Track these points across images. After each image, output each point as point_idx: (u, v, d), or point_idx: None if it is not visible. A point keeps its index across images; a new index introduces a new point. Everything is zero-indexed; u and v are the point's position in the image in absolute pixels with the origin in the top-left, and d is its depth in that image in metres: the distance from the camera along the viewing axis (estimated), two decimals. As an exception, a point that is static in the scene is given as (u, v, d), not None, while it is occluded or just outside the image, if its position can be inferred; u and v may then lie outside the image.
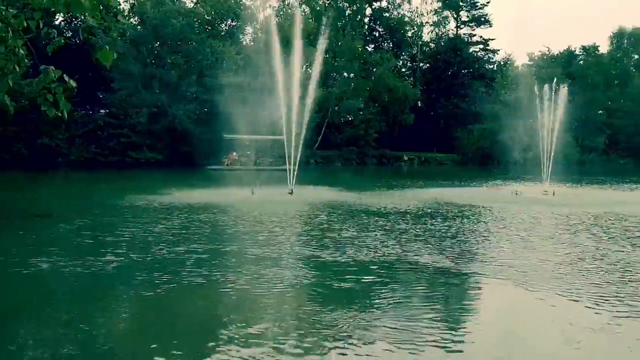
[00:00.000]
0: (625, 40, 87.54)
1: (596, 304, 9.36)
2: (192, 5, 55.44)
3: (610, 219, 19.91)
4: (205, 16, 55.19)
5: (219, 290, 9.78)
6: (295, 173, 26.68)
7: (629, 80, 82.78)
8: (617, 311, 9.02)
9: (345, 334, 7.67)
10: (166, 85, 50.82)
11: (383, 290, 9.92)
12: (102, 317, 8.44)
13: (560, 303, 9.52)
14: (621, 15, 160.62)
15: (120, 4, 56.45)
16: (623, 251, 13.98)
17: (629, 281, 10.95)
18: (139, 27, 53.28)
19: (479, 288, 10.84)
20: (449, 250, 13.61)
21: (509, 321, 8.93)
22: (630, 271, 11.81)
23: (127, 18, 55.39)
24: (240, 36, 61.44)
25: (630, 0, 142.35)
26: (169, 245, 13.38)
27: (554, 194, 28.46)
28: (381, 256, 12.71)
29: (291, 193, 25.47)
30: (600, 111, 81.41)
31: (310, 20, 57.93)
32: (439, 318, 8.59)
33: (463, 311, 9.33)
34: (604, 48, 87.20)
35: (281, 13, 56.69)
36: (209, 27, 56.44)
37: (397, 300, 9.40)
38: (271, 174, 44.31)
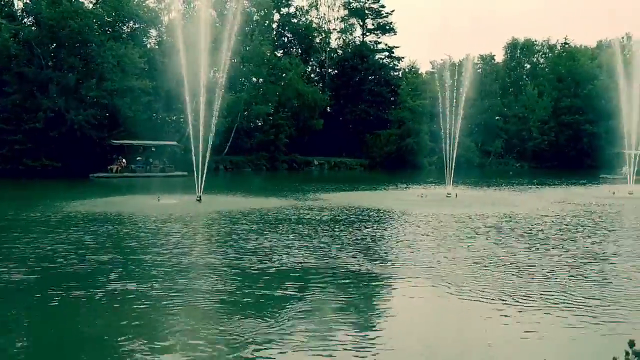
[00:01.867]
0: (518, 51, 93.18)
1: (503, 302, 9.65)
2: (92, 5, 52.74)
3: (508, 219, 20.91)
4: (106, 17, 52.71)
5: (127, 302, 9.29)
6: (203, 179, 25.96)
7: (522, 88, 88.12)
8: (524, 308, 9.33)
9: (257, 344, 7.44)
10: (64, 89, 47.97)
11: (296, 298, 9.77)
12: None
13: (470, 302, 9.75)
14: (514, 26, 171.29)
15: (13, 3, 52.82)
16: (524, 250, 14.65)
17: (533, 279, 11.42)
18: (33, 27, 50.01)
19: (393, 291, 10.93)
20: (363, 254, 13.66)
21: (425, 323, 9.00)
22: (530, 269, 12.34)
23: (20, 18, 51.82)
24: (144, 39, 59.29)
25: (521, 12, 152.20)
26: (75, 258, 12.61)
27: (456, 196, 29.56)
28: (295, 262, 12.56)
29: (200, 200, 24.78)
30: (497, 117, 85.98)
31: (218, 25, 56.92)
32: (354, 323, 8.55)
33: (378, 315, 9.34)
34: (499, 57, 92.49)
35: (187, 16, 55.24)
36: (110, 29, 53.98)
37: (312, 307, 9.26)
38: (165, 180, 43.00)
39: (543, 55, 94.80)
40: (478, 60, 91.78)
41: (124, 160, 47.99)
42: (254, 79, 66.87)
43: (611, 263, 13.16)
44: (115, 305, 9.13)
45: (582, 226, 19.48)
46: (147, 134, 49.95)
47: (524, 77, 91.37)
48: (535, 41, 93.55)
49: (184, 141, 46.21)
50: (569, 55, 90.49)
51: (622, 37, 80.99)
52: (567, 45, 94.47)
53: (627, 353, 3.21)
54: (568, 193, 35.14)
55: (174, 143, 51.32)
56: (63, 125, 47.15)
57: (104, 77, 48.88)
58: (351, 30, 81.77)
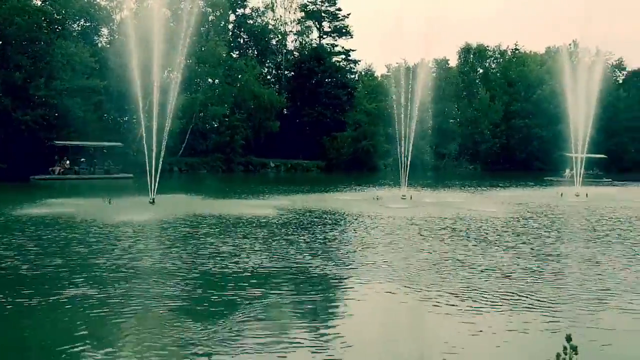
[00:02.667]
0: (471, 56, 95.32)
1: (458, 301, 9.80)
2: (40, 3, 51.12)
3: (461, 220, 21.29)
4: (55, 15, 51.18)
5: (80, 308, 9.00)
6: (156, 181, 25.43)
7: (475, 92, 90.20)
8: (478, 307, 9.48)
9: (212, 348, 7.31)
10: (10, 88, 46.30)
11: (253, 300, 9.65)
12: None
13: (425, 302, 9.87)
14: (467, 32, 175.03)
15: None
16: (478, 251, 14.92)
17: (487, 279, 11.63)
18: (-23, 24, 48.12)
19: (350, 292, 10.93)
20: (320, 256, 13.64)
21: (381, 323, 9.04)
22: (484, 269, 12.58)
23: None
24: (95, 37, 57.86)
25: (474, 18, 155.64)
26: (24, 262, 12.15)
27: (411, 197, 29.93)
28: (252, 265, 12.44)
29: (153, 202, 24.26)
30: (451, 120, 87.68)
31: (172, 24, 56.08)
32: (310, 325, 8.53)
33: (335, 316, 9.33)
34: (453, 62, 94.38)
35: (140, 15, 54.15)
36: (60, 27, 52.43)
37: (269, 310, 9.17)
38: (110, 182, 42.02)
39: (495, 61, 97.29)
40: (433, 65, 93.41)
41: (67, 161, 46.41)
42: (210, 80, 66.16)
43: (561, 263, 13.55)
44: (66, 312, 8.82)
45: (531, 227, 20.00)
46: (98, 134, 48.69)
47: (477, 81, 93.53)
48: (488, 47, 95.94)
49: (137, 142, 45.24)
50: (519, 61, 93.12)
51: (570, 44, 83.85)
52: (517, 51, 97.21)
53: (565, 348, 3.29)
54: (518, 195, 36.08)
55: (119, 144, 49.86)
56: (9, 125, 45.52)
57: (53, 76, 47.45)
58: (308, 32, 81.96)
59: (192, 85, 62.05)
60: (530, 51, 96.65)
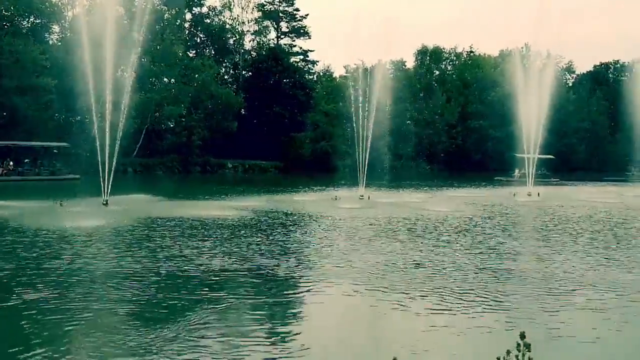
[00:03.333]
0: (428, 58, 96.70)
1: (413, 299, 9.84)
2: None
3: (418, 220, 21.53)
4: (4, 11, 49.43)
5: (34, 311, 8.75)
6: (110, 182, 24.78)
7: (431, 93, 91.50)
8: (433, 304, 9.54)
9: (168, 352, 7.17)
10: (-45, 86, 44.53)
11: (211, 302, 9.54)
12: None
13: (382, 300, 9.91)
14: (424, 34, 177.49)
15: None
16: (434, 250, 15.09)
17: (442, 277, 11.75)
18: None
19: (309, 292, 10.86)
20: (279, 257, 13.54)
21: (339, 322, 9.04)
22: (440, 268, 12.71)
23: None
24: (46, 35, 56.11)
25: (430, 21, 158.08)
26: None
27: (369, 198, 30.14)
28: (211, 267, 12.29)
29: (106, 204, 23.67)
30: (409, 121, 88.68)
31: (126, 22, 54.90)
32: (269, 325, 8.50)
33: (293, 316, 9.30)
34: (410, 64, 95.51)
35: (92, 12, 52.74)
36: (8, 24, 50.65)
37: (227, 311, 9.08)
38: (56, 184, 40.79)
39: (451, 63, 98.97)
40: (390, 66, 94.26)
41: (11, 162, 44.68)
42: (165, 79, 65.00)
43: (516, 261, 13.83)
44: (20, 317, 8.52)
45: (487, 226, 20.38)
46: (49, 134, 47.22)
47: (433, 83, 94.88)
48: (444, 49, 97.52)
49: (90, 143, 44.04)
50: (474, 63, 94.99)
51: (522, 47, 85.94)
52: (472, 54, 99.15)
53: (518, 344, 3.31)
54: (473, 195, 36.78)
55: (65, 144, 48.25)
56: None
57: (1, 74, 45.79)
58: (265, 32, 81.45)
59: (147, 85, 60.87)
60: (485, 54, 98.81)
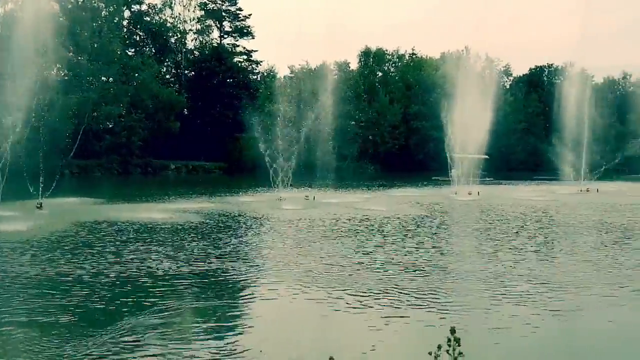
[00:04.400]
0: (371, 59, 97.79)
1: (356, 299, 9.88)
2: None
3: (363, 220, 21.68)
4: None
5: None
6: (43, 184, 23.80)
7: (375, 94, 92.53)
8: (375, 304, 9.62)
9: (112, 355, 7.02)
10: None
11: (155, 306, 9.36)
12: None
13: (326, 301, 9.90)
14: (367, 35, 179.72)
15: None
16: (378, 250, 15.21)
17: (384, 276, 11.84)
18: None
19: (255, 295, 10.80)
20: (225, 260, 13.39)
21: (282, 326, 9.01)
22: (382, 268, 12.81)
23: None
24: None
25: (373, 22, 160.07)
26: None
27: (314, 198, 30.20)
28: (155, 271, 12.04)
29: (40, 207, 22.75)
30: (353, 122, 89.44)
31: (61, 19, 53.01)
32: (213, 329, 8.42)
33: (238, 319, 9.21)
34: (354, 65, 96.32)
35: (25, 9, 50.63)
36: None
37: (171, 315, 8.91)
38: None
39: (393, 65, 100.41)
40: (334, 67, 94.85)
41: None
42: (104, 78, 63.01)
43: (458, 258, 14.11)
44: None
45: (430, 225, 20.73)
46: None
47: (377, 84, 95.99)
48: (386, 51, 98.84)
49: (24, 143, 42.17)
50: (416, 65, 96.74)
51: (462, 50, 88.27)
52: (414, 56, 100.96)
53: (448, 339, 3.34)
54: (417, 194, 37.43)
55: None
56: None
57: None
58: (208, 31, 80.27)
59: (85, 84, 58.89)
60: (427, 56, 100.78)
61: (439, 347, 3.40)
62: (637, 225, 22.71)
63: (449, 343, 3.38)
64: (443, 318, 9.05)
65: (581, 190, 40.36)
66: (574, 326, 9.27)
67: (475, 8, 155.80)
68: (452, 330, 3.41)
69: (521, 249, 15.84)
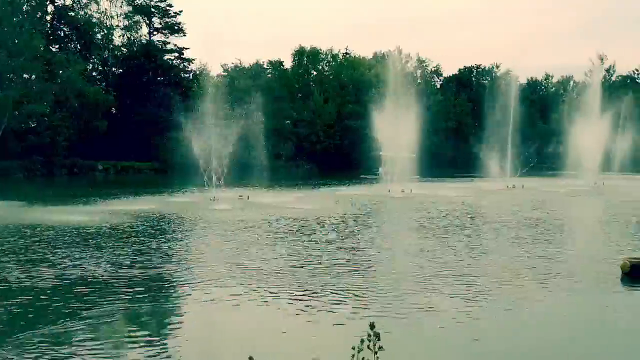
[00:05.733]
0: (305, 58, 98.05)
1: (289, 299, 9.84)
2: None
3: (297, 219, 21.60)
4: None
5: None
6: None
7: (309, 94, 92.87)
8: (303, 303, 9.66)
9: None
10: None
11: (84, 312, 9.11)
12: None
13: (256, 304, 9.80)
14: (301, 34, 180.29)
15: None
16: (312, 249, 15.15)
17: (315, 275, 11.81)
18: None
19: (186, 296, 10.66)
20: (156, 263, 13.14)
21: (208, 328, 8.94)
22: (316, 267, 12.77)
23: None
24: None
25: (308, 21, 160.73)
26: None
27: (248, 198, 29.88)
28: (85, 275, 11.67)
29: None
30: (288, 121, 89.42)
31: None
32: (144, 332, 8.31)
33: (169, 322, 9.08)
34: (288, 64, 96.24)
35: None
36: None
37: (100, 320, 8.71)
38: None
39: (327, 64, 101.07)
40: (268, 66, 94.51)
41: None
42: (26, 75, 60.01)
43: (386, 256, 14.26)
44: None
45: (362, 224, 20.90)
46: None
47: (311, 83, 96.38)
48: (320, 50, 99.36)
49: None
50: (349, 65, 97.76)
51: (394, 50, 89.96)
52: (348, 55, 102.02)
53: (368, 335, 3.34)
54: (352, 192, 37.76)
55: None
56: None
57: None
58: (137, 28, 77.90)
59: (5, 81, 55.91)
60: (360, 55, 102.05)
61: (362, 341, 3.41)
62: (560, 220, 23.81)
63: (369, 338, 3.39)
64: (369, 313, 9.09)
65: (508, 187, 41.89)
66: (501, 318, 9.48)
67: (406, 9, 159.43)
68: (372, 326, 3.47)
69: (452, 244, 16.21)
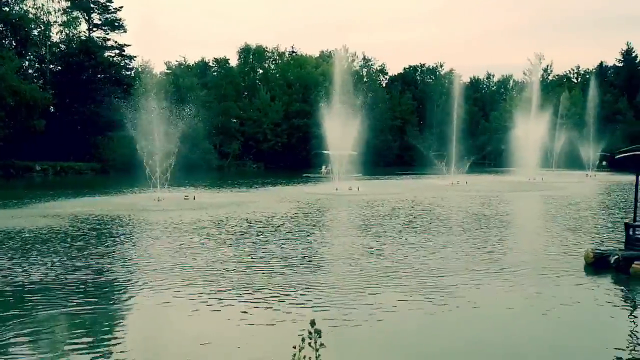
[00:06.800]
0: (251, 56, 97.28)
1: (227, 299, 9.73)
2: None
3: (244, 219, 21.35)
4: None
5: None
6: None
7: (256, 92, 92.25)
8: (248, 302, 9.56)
9: None
10: None
11: (27, 317, 8.84)
12: None
13: (200, 305, 9.66)
14: (246, 32, 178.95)
15: None
16: (259, 248, 14.99)
17: (257, 274, 11.66)
18: None
19: (131, 299, 10.42)
20: (99, 266, 12.76)
21: (152, 330, 8.75)
22: (260, 267, 12.64)
23: None
24: None
25: (254, 19, 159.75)
26: None
27: (194, 198, 29.34)
28: (22, 280, 11.25)
29: None
30: (234, 120, 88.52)
31: None
32: (86, 337, 8.07)
33: (112, 329, 8.80)
34: (233, 62, 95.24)
35: None
36: None
37: (44, 327, 8.47)
38: None
39: (274, 62, 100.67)
40: (213, 64, 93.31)
41: None
42: (-46, 73, 56.98)
43: (334, 254, 14.27)
44: None
45: (310, 223, 20.85)
46: None
47: (257, 82, 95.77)
48: (267, 48, 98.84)
49: None
50: (296, 63, 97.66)
51: (341, 49, 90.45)
52: (294, 54, 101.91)
53: (309, 333, 3.28)
54: (297, 191, 37.67)
55: None
56: None
57: None
58: (75, 24, 75.23)
59: None
60: (306, 54, 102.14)
61: (303, 339, 3.35)
62: (508, 215, 24.47)
63: (310, 336, 3.34)
64: (314, 311, 9.06)
65: (452, 184, 42.81)
66: (463, 313, 9.53)
67: (352, 8, 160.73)
68: (312, 323, 3.46)
69: (404, 241, 16.37)
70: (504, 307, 9.80)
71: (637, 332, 8.86)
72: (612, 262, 12.51)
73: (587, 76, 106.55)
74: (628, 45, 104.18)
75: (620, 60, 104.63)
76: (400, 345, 7.97)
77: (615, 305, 10.07)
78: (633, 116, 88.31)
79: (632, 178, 51.02)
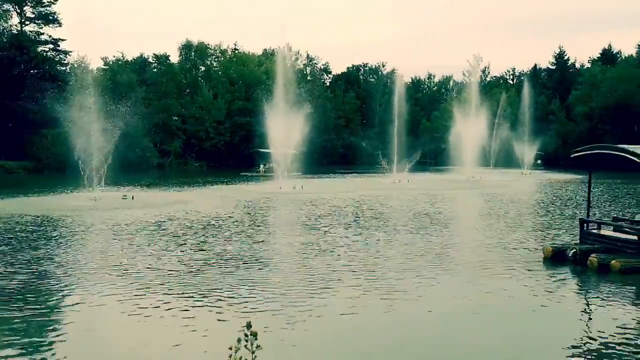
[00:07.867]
0: (193, 53, 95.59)
1: (168, 301, 9.43)
2: None
3: (181, 219, 20.92)
4: None
5: None
6: None
7: (198, 89, 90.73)
8: (186, 305, 9.37)
9: None
10: None
11: None
12: None
13: (137, 306, 9.43)
14: (188, 28, 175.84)
15: None
16: (200, 248, 14.68)
17: (205, 275, 11.41)
18: None
19: (75, 300, 10.09)
20: (36, 268, 12.20)
21: (97, 333, 8.58)
22: (203, 267, 12.37)
23: None
24: None
25: (195, 15, 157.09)
26: None
27: (133, 198, 28.59)
28: None
29: None
30: (175, 117, 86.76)
31: None
32: (19, 348, 7.73)
33: (47, 335, 8.46)
34: (174, 58, 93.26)
35: None
36: None
37: None
38: None
39: (216, 59, 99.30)
40: (153, 60, 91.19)
41: None
42: None
43: (278, 254, 14.14)
44: None
45: (254, 222, 20.65)
46: None
47: (199, 79, 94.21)
48: (209, 45, 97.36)
49: None
50: (239, 61, 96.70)
51: (284, 47, 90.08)
52: (237, 51, 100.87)
53: (245, 334, 3.17)
54: (242, 190, 37.24)
55: None
56: None
57: None
58: (6, 17, 71.79)
59: None
60: (249, 52, 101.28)
61: (239, 340, 3.24)
62: (451, 212, 24.97)
63: (246, 338, 3.23)
64: (254, 313, 8.96)
65: (394, 182, 43.41)
66: (392, 315, 9.59)
67: (294, 7, 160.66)
68: (248, 325, 3.41)
69: (350, 239, 16.42)
70: (464, 302, 10.00)
71: (600, 318, 9.26)
72: (570, 255, 13.05)
73: (522, 78, 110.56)
74: (560, 48, 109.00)
75: (553, 63, 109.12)
76: (344, 346, 7.95)
77: (574, 294, 10.52)
78: (565, 117, 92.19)
79: (564, 176, 53.30)
